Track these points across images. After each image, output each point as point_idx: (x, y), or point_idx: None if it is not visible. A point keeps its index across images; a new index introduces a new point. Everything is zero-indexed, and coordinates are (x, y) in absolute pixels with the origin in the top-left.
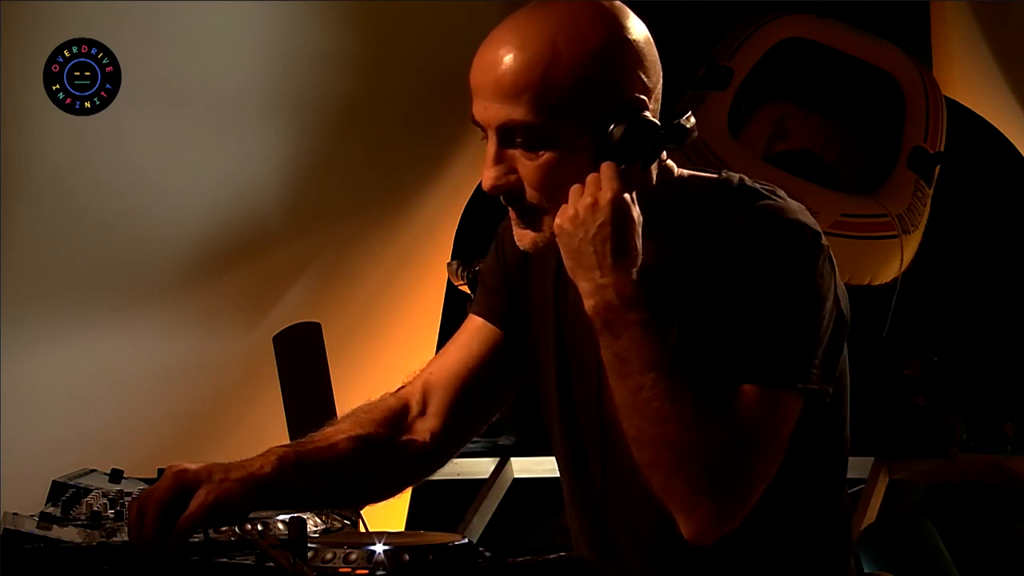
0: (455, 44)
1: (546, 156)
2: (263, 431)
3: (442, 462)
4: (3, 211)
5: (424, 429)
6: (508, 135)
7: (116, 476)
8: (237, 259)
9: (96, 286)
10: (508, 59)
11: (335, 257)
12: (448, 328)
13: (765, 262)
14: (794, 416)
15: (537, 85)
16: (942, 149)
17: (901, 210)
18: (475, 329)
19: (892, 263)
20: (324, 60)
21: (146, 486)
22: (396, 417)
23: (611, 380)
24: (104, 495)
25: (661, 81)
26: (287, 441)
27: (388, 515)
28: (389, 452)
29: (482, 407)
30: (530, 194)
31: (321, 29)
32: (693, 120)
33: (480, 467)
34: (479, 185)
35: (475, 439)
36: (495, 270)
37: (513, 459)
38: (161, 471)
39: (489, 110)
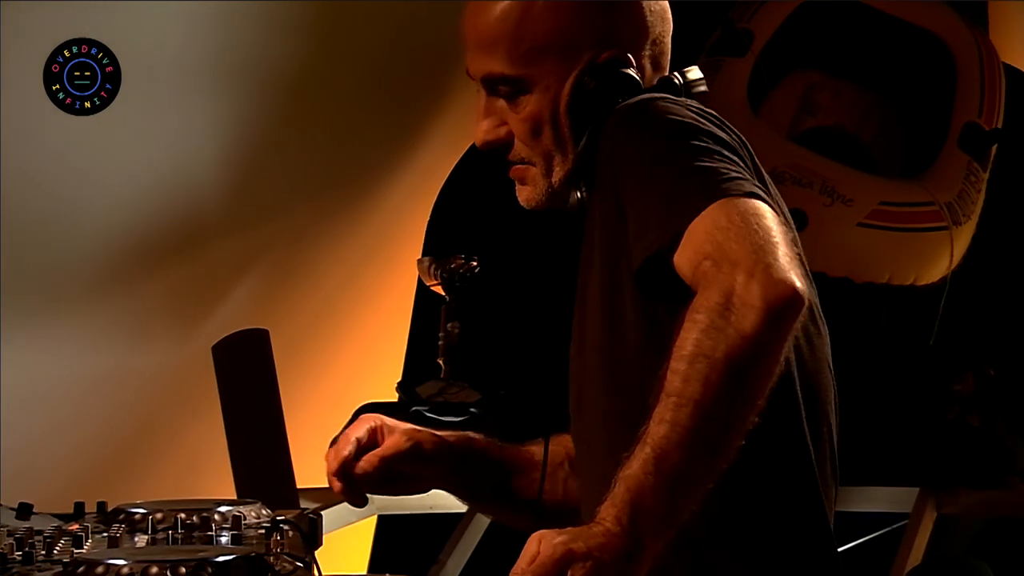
0: (426, 6)
1: (529, 108)
2: (199, 455)
3: None
4: (3, 211)
5: None
6: (492, 87)
7: (25, 511)
8: (170, 255)
9: (6, 288)
10: (486, 8)
11: (285, 253)
12: (418, 335)
13: (615, 143)
14: (748, 208)
15: (510, 34)
16: (999, 126)
17: (951, 197)
18: None
19: (940, 259)
20: (273, 22)
21: (61, 523)
22: None
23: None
24: (10, 534)
25: (667, 33)
26: (228, 468)
27: (348, 556)
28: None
29: None
30: (518, 147)
31: None
32: (696, 75)
33: (456, 499)
34: (454, 170)
35: None
36: None
37: None
38: (79, 505)
39: (473, 62)
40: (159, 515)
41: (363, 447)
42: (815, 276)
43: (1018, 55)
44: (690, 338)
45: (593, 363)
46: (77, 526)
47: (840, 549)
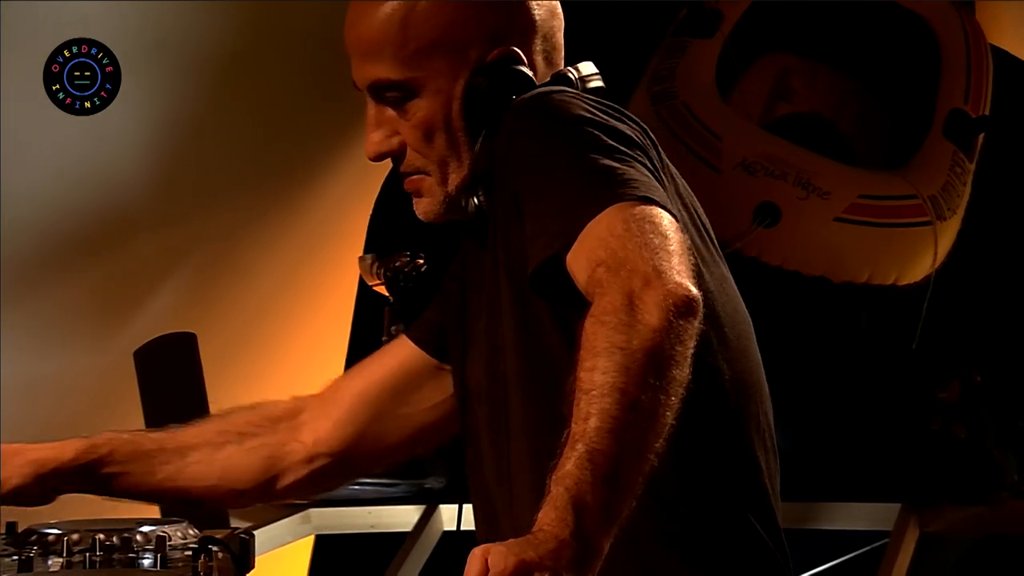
0: None
1: (419, 114)
2: None
3: (326, 482)
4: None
5: (313, 431)
6: (379, 94)
7: None
8: (88, 253)
9: None
10: (367, 13)
11: (215, 250)
12: (360, 338)
13: (511, 140)
14: (644, 214)
15: (394, 37)
16: (987, 113)
17: (935, 190)
18: (401, 345)
19: (923, 257)
20: (203, 5)
21: None
22: (283, 415)
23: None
24: None
25: (558, 29)
26: None
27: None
28: (264, 450)
29: (392, 433)
30: (411, 156)
31: None
32: (589, 70)
33: (402, 517)
34: None
35: (395, 481)
36: (440, 295)
37: (443, 507)
38: None
39: (358, 70)
40: (75, 536)
41: None
42: (789, 275)
43: (1006, 36)
44: (600, 336)
45: (512, 368)
46: None
47: (818, 569)
